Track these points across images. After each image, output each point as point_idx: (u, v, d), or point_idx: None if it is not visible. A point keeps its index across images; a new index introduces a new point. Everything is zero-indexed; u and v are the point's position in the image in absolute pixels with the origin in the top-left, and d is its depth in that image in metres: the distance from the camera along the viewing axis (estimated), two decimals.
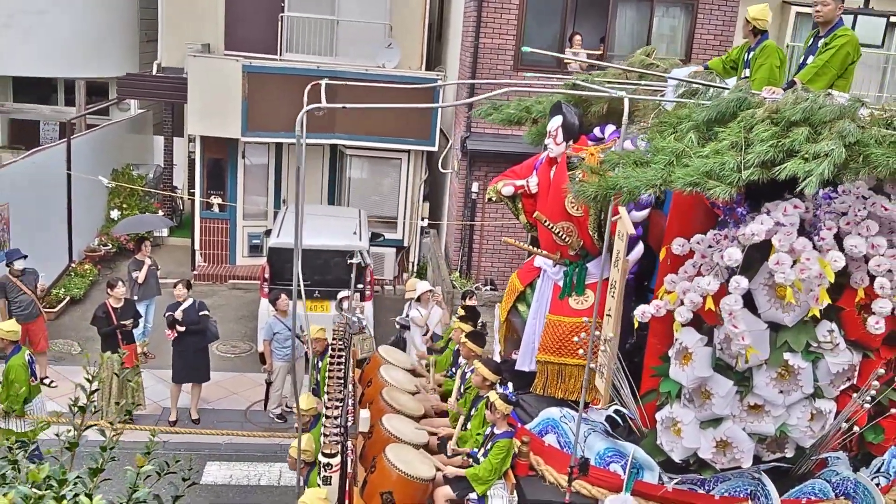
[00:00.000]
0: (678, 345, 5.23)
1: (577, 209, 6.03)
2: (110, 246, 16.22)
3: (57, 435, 3.29)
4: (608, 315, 5.54)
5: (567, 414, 5.90)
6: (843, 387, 5.23)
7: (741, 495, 5.45)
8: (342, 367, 6.77)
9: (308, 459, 6.94)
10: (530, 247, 6.54)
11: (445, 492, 6.09)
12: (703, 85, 5.81)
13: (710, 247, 5.11)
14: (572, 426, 5.74)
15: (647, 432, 5.68)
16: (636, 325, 5.48)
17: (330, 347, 7.23)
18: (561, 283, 6.27)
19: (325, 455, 5.85)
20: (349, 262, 7.70)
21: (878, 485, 5.72)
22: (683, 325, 5.13)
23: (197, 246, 16.02)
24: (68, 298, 14.21)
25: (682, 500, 5.49)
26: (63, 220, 14.96)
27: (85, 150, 15.56)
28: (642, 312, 5.23)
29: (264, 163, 16.36)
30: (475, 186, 14.40)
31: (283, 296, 10.61)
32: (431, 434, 6.77)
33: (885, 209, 4.88)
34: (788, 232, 4.79)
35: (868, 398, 5.18)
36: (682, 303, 5.08)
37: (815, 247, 4.85)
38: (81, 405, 3.27)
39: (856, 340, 5.15)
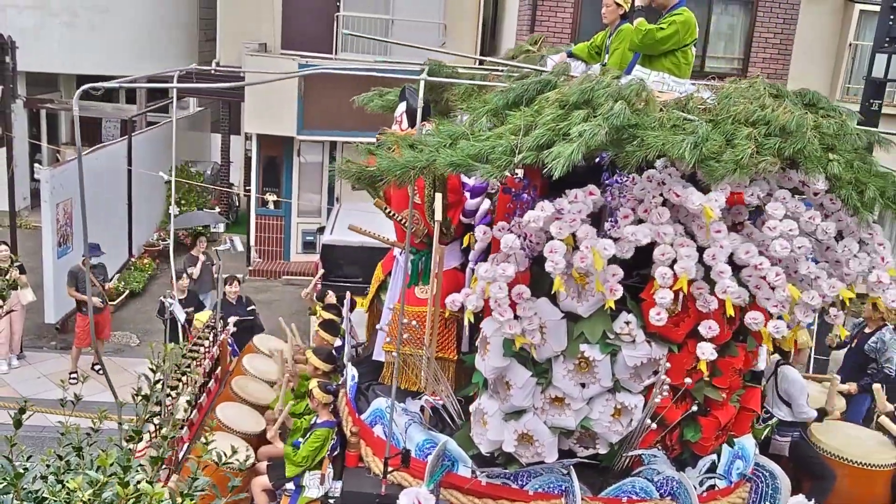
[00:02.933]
0: (481, 333, 5.11)
1: (418, 196, 5.88)
2: (167, 240, 16.55)
3: (120, 424, 3.38)
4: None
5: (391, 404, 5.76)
6: (648, 382, 5.03)
7: (555, 491, 5.25)
8: (192, 357, 6.89)
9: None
10: (374, 233, 6.48)
11: (262, 481, 6.08)
12: (520, 67, 5.70)
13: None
14: (395, 417, 5.59)
15: (462, 424, 5.55)
16: (447, 314, 5.34)
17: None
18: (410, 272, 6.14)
19: (126, 440, 5.83)
20: (216, 249, 7.69)
21: (713, 486, 5.49)
22: (475, 313, 4.99)
23: (252, 242, 16.26)
24: (128, 292, 14.54)
25: (496, 495, 5.32)
26: (123, 215, 15.31)
27: (145, 147, 15.91)
28: (452, 301, 5.09)
29: (319, 160, 16.55)
30: None
31: (330, 292, 10.70)
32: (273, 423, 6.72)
33: (677, 195, 4.66)
34: (572, 219, 4.63)
35: (663, 393, 4.97)
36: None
37: (606, 234, 4.72)
38: (145, 394, 3.36)
39: (657, 333, 4.93)
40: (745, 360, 5.39)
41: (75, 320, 12.08)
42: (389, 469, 5.45)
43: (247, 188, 16.61)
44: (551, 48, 7.03)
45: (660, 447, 5.28)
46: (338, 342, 7.42)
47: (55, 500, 2.94)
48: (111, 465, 2.99)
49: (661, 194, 4.77)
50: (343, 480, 5.81)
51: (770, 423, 6.68)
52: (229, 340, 8.46)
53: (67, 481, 2.99)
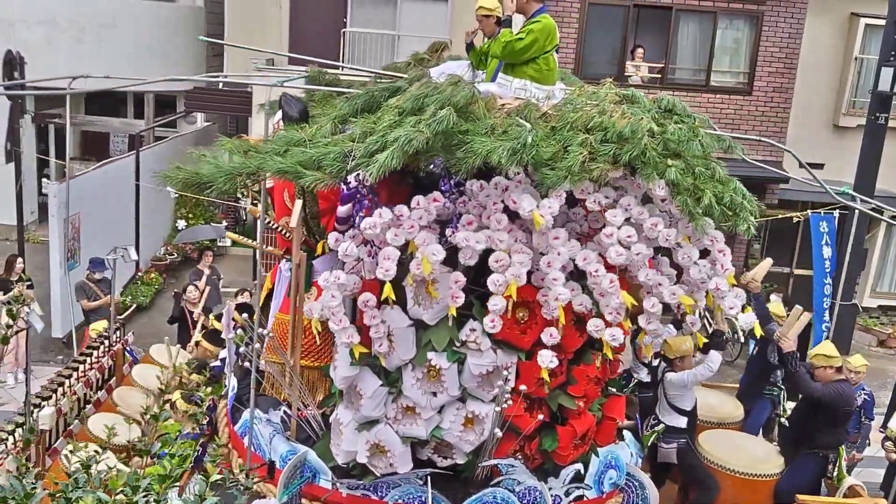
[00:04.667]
0: (335, 343, 5.08)
1: (292, 203, 5.81)
2: (176, 255, 16.59)
3: (129, 441, 3.37)
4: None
5: (258, 415, 5.68)
6: (500, 390, 4.93)
7: (415, 502, 5.20)
8: (72, 368, 6.91)
9: None
10: (249, 241, 6.45)
11: None
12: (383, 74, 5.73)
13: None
14: (261, 428, 5.58)
15: (323, 435, 5.51)
16: (306, 322, 5.31)
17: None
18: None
19: None
20: (106, 258, 7.68)
21: (581, 497, 5.40)
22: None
23: (259, 256, 16.26)
24: (135, 306, 14.55)
25: None
26: (131, 229, 15.33)
27: (153, 162, 15.95)
28: (309, 310, 5.07)
29: None
30: None
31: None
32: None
33: (514, 202, 4.60)
34: (411, 225, 4.60)
35: (508, 402, 4.87)
36: None
37: (446, 240, 4.69)
38: (154, 413, 3.35)
39: (504, 341, 4.88)
40: (601, 368, 5.31)
41: (84, 333, 12.07)
42: (255, 479, 5.34)
43: (254, 202, 16.64)
44: (453, 55, 6.92)
45: (519, 457, 5.21)
46: (223, 353, 7.29)
47: None
48: (121, 485, 2.97)
49: (503, 200, 4.73)
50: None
51: (657, 429, 6.67)
52: (128, 349, 8.40)
53: (76, 500, 2.98)
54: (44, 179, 16.85)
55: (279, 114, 6.14)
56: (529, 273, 4.75)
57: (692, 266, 4.80)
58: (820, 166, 15.69)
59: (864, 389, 8.89)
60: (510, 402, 4.89)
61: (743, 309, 4.84)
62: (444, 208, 4.81)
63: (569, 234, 4.90)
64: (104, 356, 7.52)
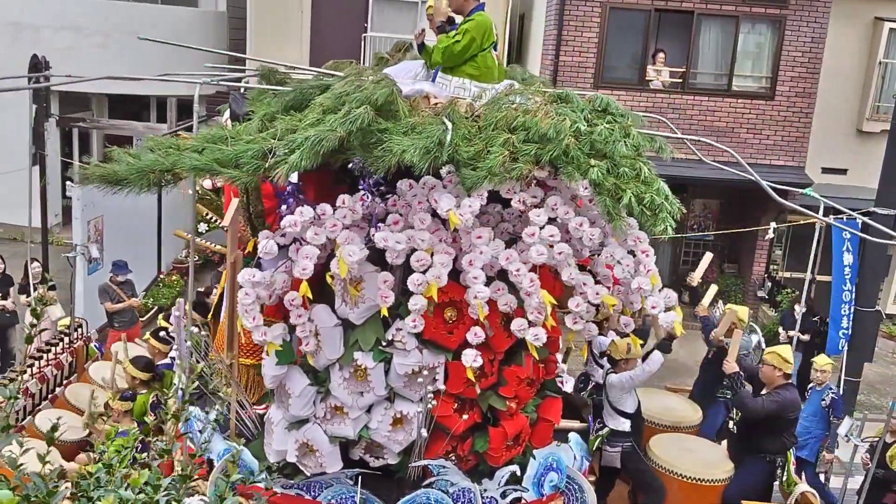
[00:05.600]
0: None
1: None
2: (197, 258, 16.77)
3: (150, 441, 3.40)
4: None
5: (197, 413, 5.57)
6: (424, 390, 4.90)
7: (348, 502, 5.16)
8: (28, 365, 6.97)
9: None
10: (187, 236, 6.36)
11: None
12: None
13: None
14: (200, 426, 5.48)
15: (258, 434, 5.49)
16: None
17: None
18: None
19: None
20: (66, 256, 7.66)
21: (519, 499, 5.31)
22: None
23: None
24: (156, 308, 14.74)
25: None
26: (153, 232, 15.53)
27: None
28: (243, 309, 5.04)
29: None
30: None
31: None
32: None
33: (436, 202, 4.54)
34: (332, 224, 4.57)
35: (432, 402, 4.82)
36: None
37: (369, 240, 4.66)
38: (175, 414, 3.38)
39: (431, 341, 4.83)
40: (535, 369, 5.25)
41: (107, 335, 12.21)
42: (195, 478, 5.37)
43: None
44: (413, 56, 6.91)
45: (452, 458, 5.17)
46: (174, 352, 7.30)
47: None
48: (143, 484, 2.99)
49: (428, 200, 4.70)
50: None
51: (601, 433, 6.59)
52: (96, 345, 8.39)
53: (97, 499, 3.00)
54: (68, 182, 17.14)
55: (227, 112, 6.15)
56: (458, 273, 4.73)
57: (615, 265, 4.76)
58: (843, 171, 15.46)
59: (831, 389, 8.88)
60: (435, 402, 4.86)
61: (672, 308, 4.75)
62: (365, 207, 4.78)
63: (501, 234, 4.88)
64: (63, 353, 7.57)
